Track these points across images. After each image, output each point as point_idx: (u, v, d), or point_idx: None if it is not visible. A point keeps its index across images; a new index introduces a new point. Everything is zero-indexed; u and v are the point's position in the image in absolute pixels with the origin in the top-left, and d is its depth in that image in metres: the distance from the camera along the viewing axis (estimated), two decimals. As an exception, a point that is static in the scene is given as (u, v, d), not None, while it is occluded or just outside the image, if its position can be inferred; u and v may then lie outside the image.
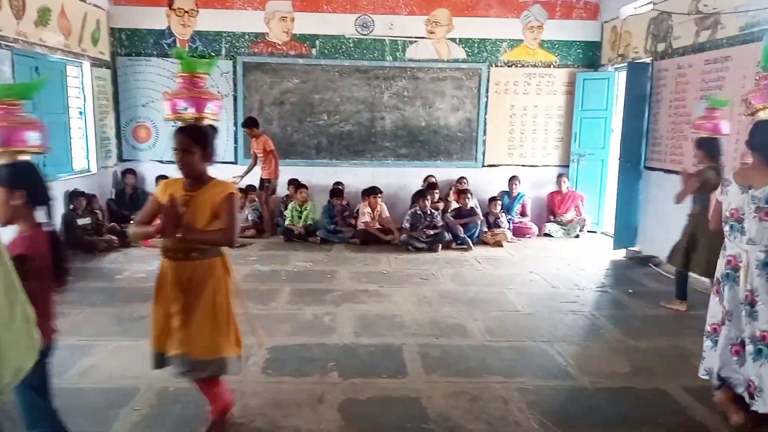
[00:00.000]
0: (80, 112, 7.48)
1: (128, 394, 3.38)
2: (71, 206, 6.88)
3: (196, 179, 2.83)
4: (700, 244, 4.75)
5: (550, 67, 8.66)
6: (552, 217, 8.53)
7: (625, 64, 7.60)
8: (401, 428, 3.07)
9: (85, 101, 7.54)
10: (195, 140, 2.77)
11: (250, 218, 8.04)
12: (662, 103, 6.89)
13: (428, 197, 7.64)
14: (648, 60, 7.18)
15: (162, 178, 8.18)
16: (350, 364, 3.86)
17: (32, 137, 2.52)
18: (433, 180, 8.37)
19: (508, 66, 8.63)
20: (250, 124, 7.86)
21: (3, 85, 2.93)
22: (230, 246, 2.81)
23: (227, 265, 2.90)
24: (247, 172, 7.99)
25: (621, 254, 7.20)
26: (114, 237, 7.02)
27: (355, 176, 8.59)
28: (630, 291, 5.67)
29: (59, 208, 6.74)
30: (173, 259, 2.83)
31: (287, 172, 8.35)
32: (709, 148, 4.88)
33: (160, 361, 2.93)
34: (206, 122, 2.92)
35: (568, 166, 8.74)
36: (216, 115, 2.96)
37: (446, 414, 3.24)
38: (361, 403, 3.36)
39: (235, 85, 8.40)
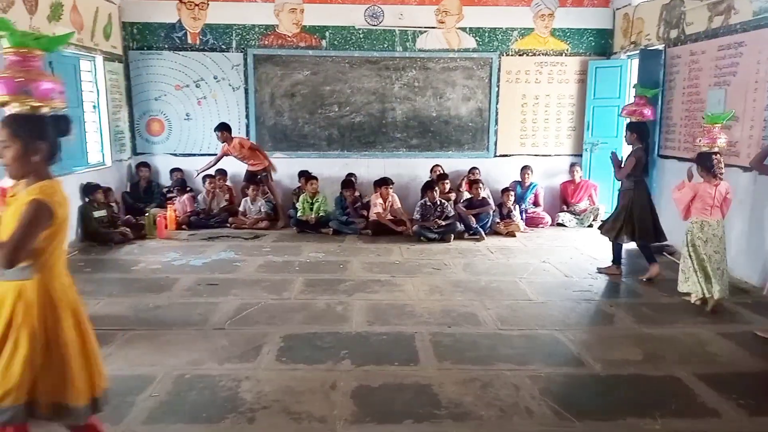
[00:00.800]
0: (94, 106, 7.56)
1: (145, 381, 3.43)
2: (87, 199, 6.97)
3: (23, 180, 2.23)
4: (635, 215, 5.55)
5: (561, 55, 8.60)
6: (565, 207, 8.49)
7: (638, 52, 7.53)
8: (413, 414, 3.10)
9: (98, 95, 7.61)
10: (13, 131, 2.18)
11: (263, 210, 8.09)
12: (675, 91, 6.83)
13: (437, 188, 7.65)
14: (661, 47, 7.11)
15: (176, 170, 8.30)
16: (363, 352, 3.90)
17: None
18: (440, 169, 8.36)
19: (519, 55, 8.58)
20: (221, 128, 7.79)
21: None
22: (5, 266, 2.07)
23: (51, 292, 2.20)
24: (207, 167, 7.97)
25: (634, 243, 7.14)
26: (129, 229, 7.10)
27: (366, 167, 8.61)
28: (643, 279, 5.65)
29: (75, 201, 6.84)
30: None
31: (298, 164, 8.39)
32: (639, 131, 5.64)
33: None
34: (46, 110, 2.58)
35: (581, 155, 8.69)
36: (50, 101, 2.61)
37: (458, 400, 3.26)
38: (374, 389, 3.39)
39: (246, 77, 8.44)
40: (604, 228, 5.99)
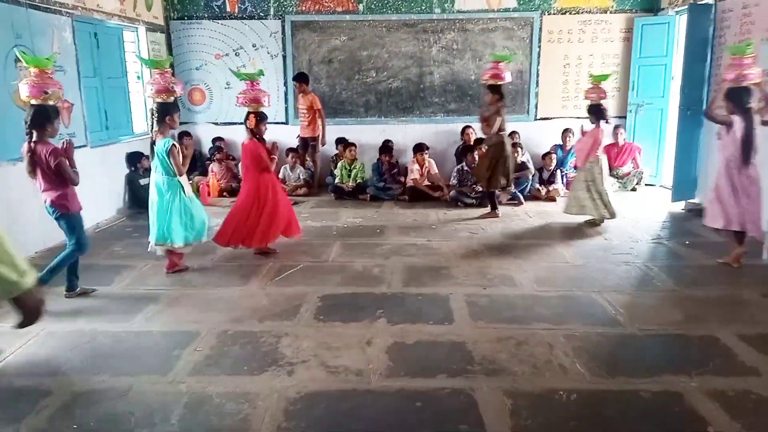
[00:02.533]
0: (138, 77, 7.74)
1: (190, 336, 3.59)
2: (133, 168, 7.20)
3: None
4: (499, 166, 6.45)
5: (606, 13, 8.30)
6: (608, 171, 8.28)
7: (686, 7, 7.19)
8: (446, 369, 3.16)
9: (142, 66, 7.78)
10: None
11: (301, 177, 8.20)
12: (726, 47, 6.51)
13: (476, 152, 7.58)
14: (711, 1, 6.78)
15: (218, 139, 8.45)
16: (398, 312, 3.97)
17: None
18: (472, 132, 8.23)
19: (562, 14, 8.33)
20: (301, 79, 7.92)
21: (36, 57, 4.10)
22: None
23: None
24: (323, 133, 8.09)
25: (680, 207, 6.98)
26: (174, 196, 7.30)
27: (404, 133, 8.59)
28: (687, 243, 5.52)
29: (122, 170, 7.08)
30: None
31: (336, 131, 8.43)
32: (499, 92, 6.43)
33: None
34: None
35: (625, 117, 8.45)
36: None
37: (491, 357, 3.31)
38: (408, 346, 3.47)
39: (284, 44, 8.47)
40: (477, 180, 6.97)
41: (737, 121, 4.69)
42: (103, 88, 6.81)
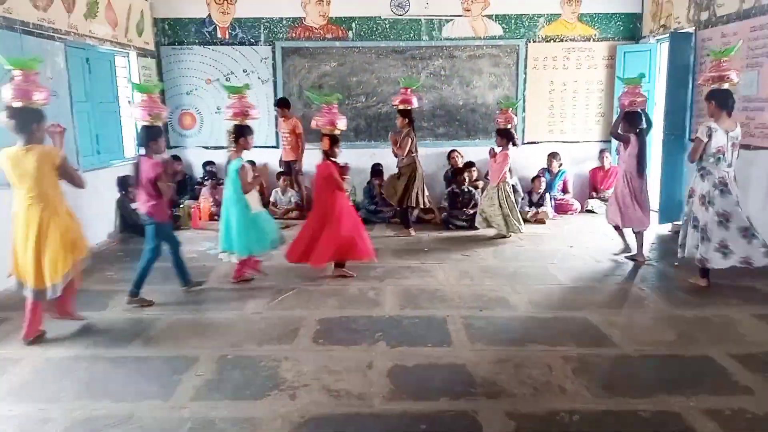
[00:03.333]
0: (129, 101, 7.75)
1: (189, 361, 3.58)
2: (123, 192, 7.18)
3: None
4: (414, 186, 6.86)
5: (589, 40, 8.54)
6: (594, 194, 8.47)
7: (668, 35, 7.44)
8: (448, 391, 3.19)
9: (133, 90, 7.80)
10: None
11: (292, 200, 8.23)
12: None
13: (465, 175, 7.71)
14: (691, 30, 7.02)
15: (209, 163, 8.48)
16: (396, 334, 3.99)
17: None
18: (457, 155, 8.38)
19: (547, 41, 8.54)
20: (282, 104, 8.04)
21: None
22: None
23: None
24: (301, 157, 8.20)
25: (666, 228, 7.13)
26: (164, 220, 7.28)
27: (394, 157, 8.65)
28: (675, 264, 5.63)
29: (113, 194, 7.05)
30: None
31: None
32: (409, 116, 6.83)
33: None
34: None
35: (610, 141, 8.62)
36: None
37: (492, 379, 3.34)
38: (409, 369, 3.49)
39: (274, 70, 8.56)
40: (389, 196, 7.16)
41: (633, 140, 5.53)
42: (94, 113, 6.82)
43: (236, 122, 5.12)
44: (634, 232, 5.79)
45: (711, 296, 4.74)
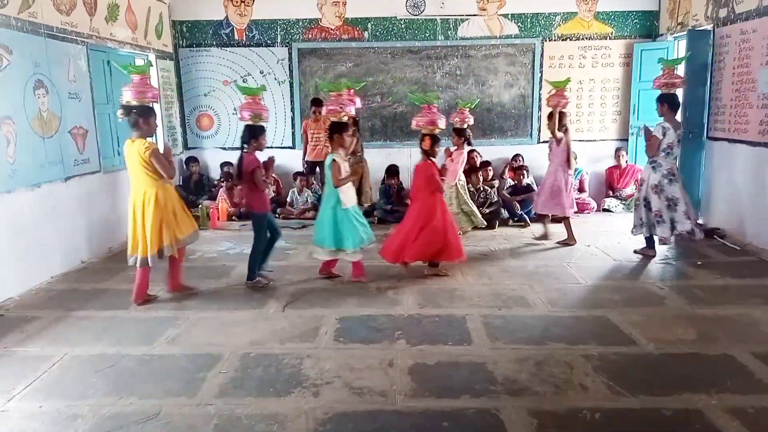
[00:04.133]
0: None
1: (214, 359, 3.64)
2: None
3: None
4: (366, 184, 7.49)
5: (606, 39, 8.51)
6: (611, 192, 8.43)
7: (685, 33, 7.40)
8: (470, 389, 3.21)
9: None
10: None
11: (309, 200, 8.28)
12: (725, 71, 6.70)
13: (480, 174, 7.72)
14: (709, 27, 6.97)
15: (226, 164, 8.56)
16: (416, 333, 4.03)
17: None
18: (475, 155, 8.34)
19: (563, 40, 8.53)
20: (318, 104, 7.90)
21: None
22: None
23: None
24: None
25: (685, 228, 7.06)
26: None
27: (409, 157, 8.68)
28: (698, 263, 5.60)
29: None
30: None
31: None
32: (355, 124, 6.75)
33: None
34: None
35: (626, 140, 8.61)
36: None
37: (513, 377, 3.36)
38: (430, 367, 3.52)
39: (290, 71, 8.63)
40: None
41: (563, 137, 6.33)
42: (115, 114, 6.89)
43: (332, 119, 5.21)
44: (561, 219, 6.59)
45: (732, 295, 4.72)
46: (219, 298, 4.88)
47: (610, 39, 8.50)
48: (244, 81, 8.62)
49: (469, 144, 7.01)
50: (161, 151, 4.57)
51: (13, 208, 4.96)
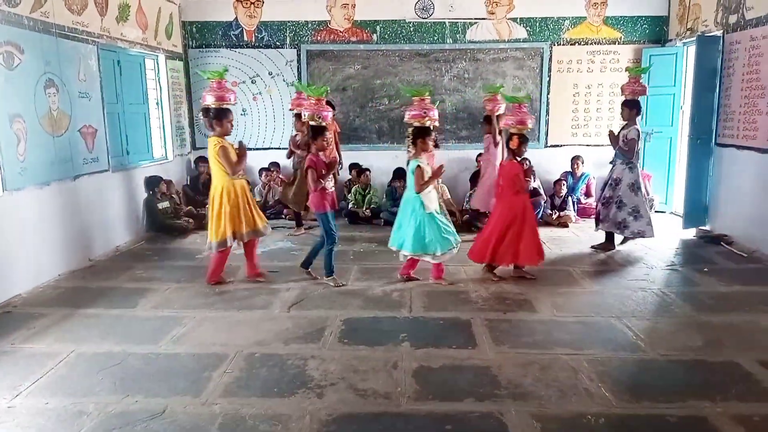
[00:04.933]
0: (157, 103, 7.91)
1: (219, 358, 3.65)
2: (151, 191, 7.32)
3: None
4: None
5: (615, 44, 8.49)
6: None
7: (694, 39, 7.38)
8: (474, 393, 3.21)
9: (161, 92, 7.96)
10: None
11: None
12: (734, 77, 6.67)
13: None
14: (719, 33, 6.95)
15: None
16: (421, 336, 4.03)
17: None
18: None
19: (571, 44, 8.52)
20: (331, 106, 7.96)
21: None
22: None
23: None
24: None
25: (691, 233, 7.05)
26: (191, 220, 7.42)
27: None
28: (705, 270, 5.57)
29: (141, 194, 7.19)
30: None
31: (350, 156, 8.55)
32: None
33: None
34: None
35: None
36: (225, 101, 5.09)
37: (517, 381, 3.36)
38: (434, 370, 3.52)
39: (299, 73, 8.66)
40: (285, 199, 7.24)
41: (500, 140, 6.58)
42: (124, 114, 6.96)
43: (416, 124, 5.24)
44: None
45: (738, 302, 4.70)
46: (225, 298, 4.89)
47: (619, 44, 8.49)
48: (253, 82, 8.66)
49: (436, 146, 6.68)
50: (236, 149, 5.02)
51: (22, 206, 5.00)
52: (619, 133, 6.23)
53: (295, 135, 7.32)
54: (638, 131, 6.05)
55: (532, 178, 7.88)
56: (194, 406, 3.10)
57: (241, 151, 5.02)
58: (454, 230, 5.23)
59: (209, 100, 5.05)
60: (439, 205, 6.11)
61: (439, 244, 5.04)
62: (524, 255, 5.24)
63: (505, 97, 5.74)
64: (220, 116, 5.01)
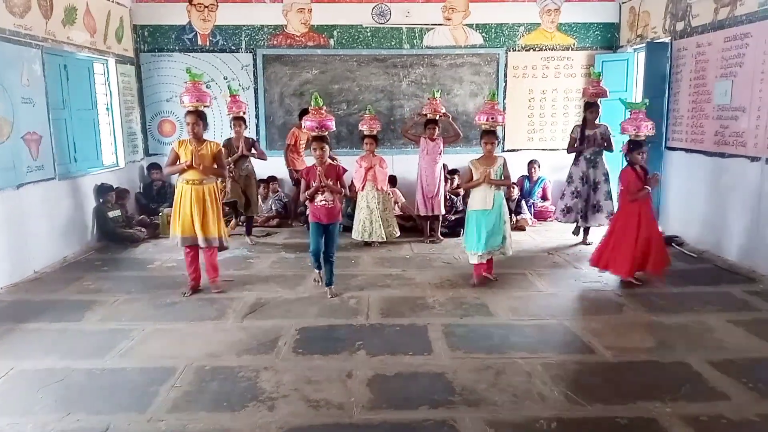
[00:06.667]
0: (107, 108, 7.68)
1: (167, 372, 3.53)
2: (101, 200, 7.08)
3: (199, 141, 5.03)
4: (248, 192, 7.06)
5: (568, 50, 8.64)
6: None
7: (644, 45, 7.56)
8: (428, 400, 3.18)
9: (111, 97, 7.73)
10: (202, 118, 5.03)
11: (273, 208, 8.19)
12: (682, 83, 6.86)
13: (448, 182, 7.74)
14: (667, 39, 7.14)
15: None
16: (377, 343, 3.98)
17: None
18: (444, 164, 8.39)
19: (526, 50, 8.63)
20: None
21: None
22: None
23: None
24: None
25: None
26: (143, 229, 7.22)
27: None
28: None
29: (90, 202, 6.96)
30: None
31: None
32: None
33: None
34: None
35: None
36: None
37: (471, 387, 3.34)
38: (389, 378, 3.48)
39: (255, 77, 8.54)
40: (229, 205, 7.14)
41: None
42: (72, 120, 6.73)
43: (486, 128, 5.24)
44: (431, 216, 7.12)
45: (689, 302, 4.80)
46: (177, 309, 4.75)
47: (572, 50, 8.64)
48: (207, 86, 8.46)
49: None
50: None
51: (-41, 217, 4.77)
52: (593, 134, 6.70)
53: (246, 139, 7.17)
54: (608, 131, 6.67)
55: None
56: (139, 423, 2.98)
57: (191, 164, 4.90)
58: (489, 237, 5.16)
59: (186, 102, 5.01)
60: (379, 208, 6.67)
61: (467, 243, 5.32)
62: (633, 264, 5.18)
63: (625, 104, 5.54)
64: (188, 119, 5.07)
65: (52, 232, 6.09)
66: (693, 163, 6.58)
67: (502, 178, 5.21)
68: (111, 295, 5.05)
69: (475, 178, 5.15)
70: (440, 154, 7.12)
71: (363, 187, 6.80)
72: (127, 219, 7.31)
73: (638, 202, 5.19)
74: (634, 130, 5.20)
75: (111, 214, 7.07)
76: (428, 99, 7.28)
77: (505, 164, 5.25)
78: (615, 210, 6.43)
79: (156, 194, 8.30)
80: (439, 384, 3.39)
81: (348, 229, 7.33)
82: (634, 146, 5.22)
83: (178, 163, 4.98)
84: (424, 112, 7.17)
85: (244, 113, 7.13)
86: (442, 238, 7.21)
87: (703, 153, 6.37)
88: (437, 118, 7.06)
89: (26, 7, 5.75)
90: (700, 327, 4.27)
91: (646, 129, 5.21)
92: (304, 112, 7.77)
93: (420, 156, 7.14)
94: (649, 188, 5.20)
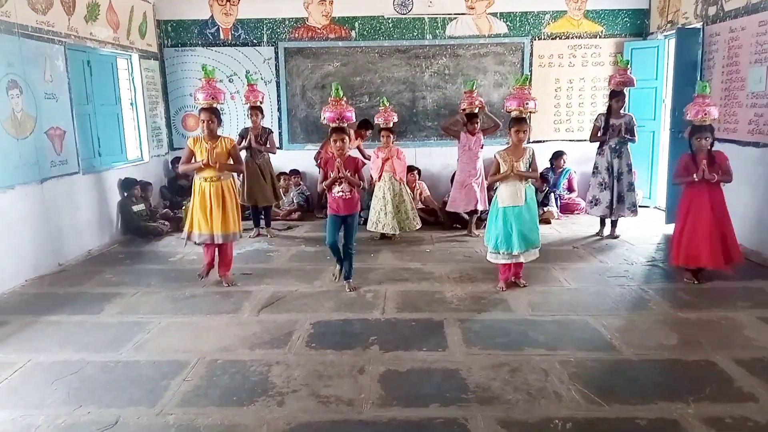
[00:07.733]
0: (131, 104, 7.76)
1: (180, 366, 3.53)
2: (125, 194, 7.17)
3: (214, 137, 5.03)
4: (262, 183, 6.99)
5: (596, 37, 8.40)
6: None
7: (675, 31, 7.30)
8: (440, 397, 3.11)
9: (135, 92, 7.81)
10: (217, 115, 5.09)
11: (296, 201, 8.18)
12: (714, 70, 6.59)
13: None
14: (698, 25, 6.87)
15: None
16: (391, 338, 3.92)
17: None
18: None
19: (552, 39, 8.42)
20: (366, 126, 7.78)
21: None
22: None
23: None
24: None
25: (672, 228, 6.95)
26: (167, 222, 7.28)
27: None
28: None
29: (115, 196, 7.05)
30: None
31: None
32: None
33: None
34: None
35: (616, 140, 8.46)
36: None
37: (485, 384, 3.25)
38: (401, 374, 3.41)
39: (277, 71, 8.53)
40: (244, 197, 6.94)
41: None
42: (96, 115, 6.81)
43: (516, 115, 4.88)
44: (470, 212, 6.98)
45: (717, 298, 4.61)
46: (193, 302, 4.77)
47: (600, 38, 8.40)
48: (230, 80, 8.52)
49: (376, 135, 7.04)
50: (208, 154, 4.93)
51: (-16, 211, 4.86)
52: (618, 123, 6.53)
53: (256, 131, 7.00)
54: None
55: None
56: (147, 417, 2.97)
57: (208, 162, 4.89)
58: (512, 237, 4.77)
59: (200, 98, 5.08)
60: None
61: (486, 237, 5.05)
62: (683, 253, 5.03)
63: (700, 89, 5.14)
64: (200, 114, 5.17)
65: (76, 226, 6.18)
66: (726, 153, 6.31)
67: (530, 170, 4.85)
68: (131, 288, 5.09)
69: (502, 171, 4.81)
70: (482, 147, 6.96)
71: (380, 177, 6.69)
72: (150, 212, 7.38)
73: (707, 193, 4.94)
74: (696, 114, 4.98)
75: (135, 208, 7.15)
76: (464, 92, 7.06)
77: (533, 155, 4.87)
78: (636, 202, 6.54)
79: (179, 188, 8.36)
80: (453, 381, 3.31)
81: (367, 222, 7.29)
82: (693, 131, 5.00)
83: (193, 160, 4.97)
84: (462, 107, 6.96)
85: (261, 102, 7.03)
86: (477, 233, 6.93)
87: (737, 142, 6.11)
88: (476, 111, 6.87)
89: (48, 4, 5.82)
90: (728, 324, 4.10)
91: (704, 114, 4.94)
92: (364, 123, 7.75)
93: (460, 151, 6.96)
94: (695, 177, 4.89)
